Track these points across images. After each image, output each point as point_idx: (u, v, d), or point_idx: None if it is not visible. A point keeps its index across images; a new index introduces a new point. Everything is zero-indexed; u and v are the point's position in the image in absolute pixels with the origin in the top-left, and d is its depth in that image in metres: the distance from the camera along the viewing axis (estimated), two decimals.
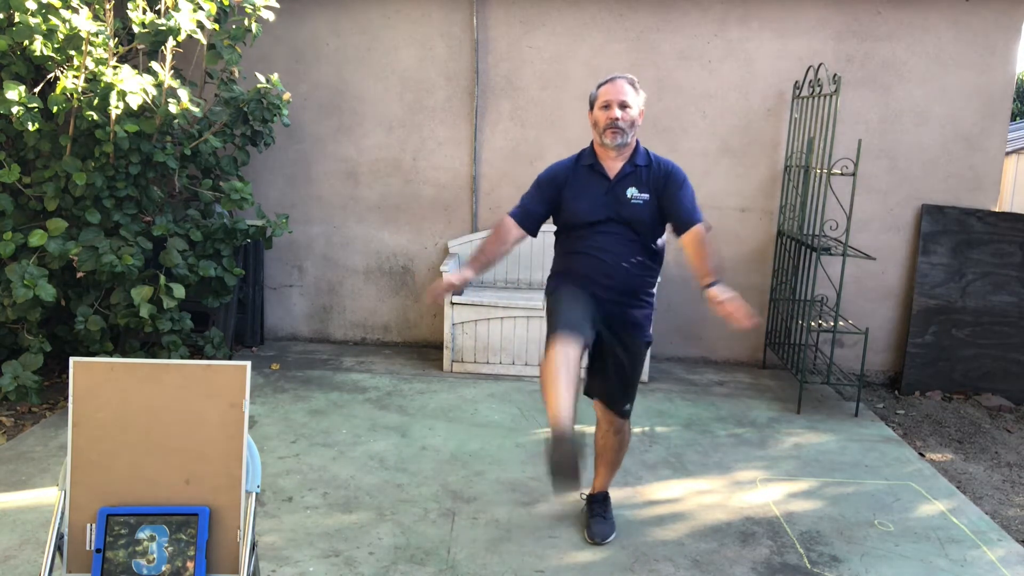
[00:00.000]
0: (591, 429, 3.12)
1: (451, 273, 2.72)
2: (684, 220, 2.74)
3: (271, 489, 3.28)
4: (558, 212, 2.84)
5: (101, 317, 4.01)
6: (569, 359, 2.48)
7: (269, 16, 4.25)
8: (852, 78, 4.89)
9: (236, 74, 4.48)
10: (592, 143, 2.81)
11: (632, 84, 2.73)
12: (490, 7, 5.03)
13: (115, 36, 3.90)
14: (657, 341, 5.09)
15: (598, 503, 3.09)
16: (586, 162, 2.80)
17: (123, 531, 1.85)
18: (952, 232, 4.95)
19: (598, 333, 2.77)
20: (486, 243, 2.86)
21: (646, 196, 2.72)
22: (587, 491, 3.17)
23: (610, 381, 2.89)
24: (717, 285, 2.59)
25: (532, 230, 2.86)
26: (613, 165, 2.76)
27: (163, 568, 1.84)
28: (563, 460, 2.33)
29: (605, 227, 2.73)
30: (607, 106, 2.69)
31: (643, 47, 5.00)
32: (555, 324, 2.63)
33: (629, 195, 2.72)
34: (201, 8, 3.91)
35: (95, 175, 3.87)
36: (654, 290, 2.89)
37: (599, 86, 2.75)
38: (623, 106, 2.68)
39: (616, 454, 3.04)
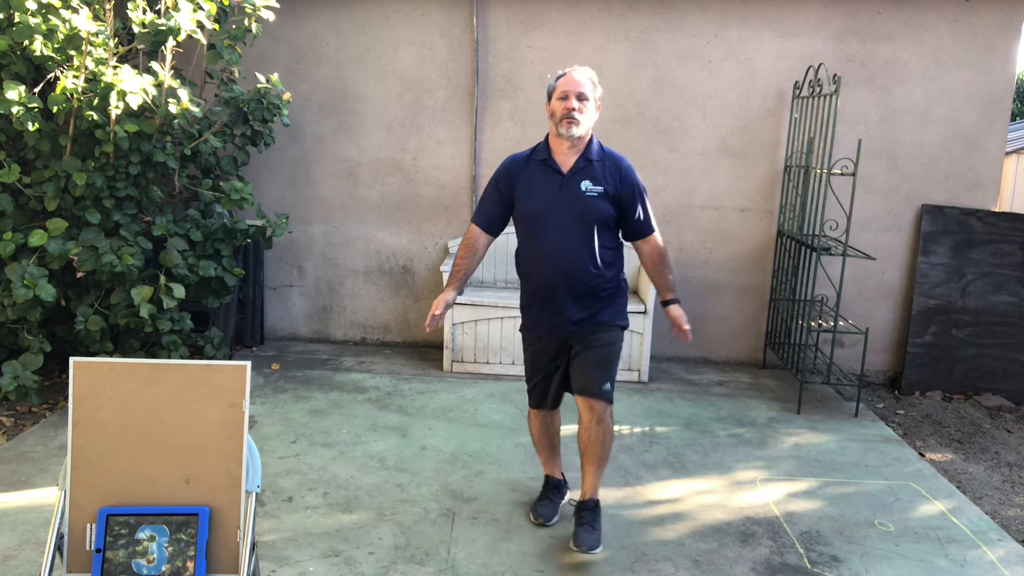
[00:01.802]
0: (575, 428, 3.12)
1: (436, 301, 2.81)
2: (639, 228, 2.87)
3: (271, 489, 3.28)
4: (513, 208, 2.87)
5: (101, 317, 4.01)
6: (549, 427, 3.09)
7: (269, 16, 4.26)
8: (852, 78, 4.89)
9: (236, 74, 4.49)
10: (547, 137, 2.85)
11: (591, 78, 2.77)
12: (490, 7, 5.03)
13: (115, 36, 3.90)
14: (657, 341, 5.09)
15: (588, 511, 2.90)
16: (539, 157, 2.83)
17: (123, 531, 1.85)
18: (952, 232, 4.94)
19: (570, 348, 2.87)
20: (458, 258, 2.90)
21: (600, 189, 2.77)
22: (576, 497, 3.03)
23: (586, 366, 2.83)
24: (677, 304, 2.89)
25: (497, 232, 2.93)
26: (566, 160, 2.79)
27: (163, 568, 1.84)
28: (544, 502, 3.09)
29: (559, 223, 2.77)
30: (564, 96, 2.72)
31: (643, 47, 5.00)
32: (529, 392, 3.04)
33: (583, 188, 2.76)
34: (201, 8, 3.91)
35: (95, 175, 3.87)
36: (619, 277, 2.91)
37: (557, 78, 2.78)
38: (580, 98, 2.72)
39: (601, 448, 2.85)
